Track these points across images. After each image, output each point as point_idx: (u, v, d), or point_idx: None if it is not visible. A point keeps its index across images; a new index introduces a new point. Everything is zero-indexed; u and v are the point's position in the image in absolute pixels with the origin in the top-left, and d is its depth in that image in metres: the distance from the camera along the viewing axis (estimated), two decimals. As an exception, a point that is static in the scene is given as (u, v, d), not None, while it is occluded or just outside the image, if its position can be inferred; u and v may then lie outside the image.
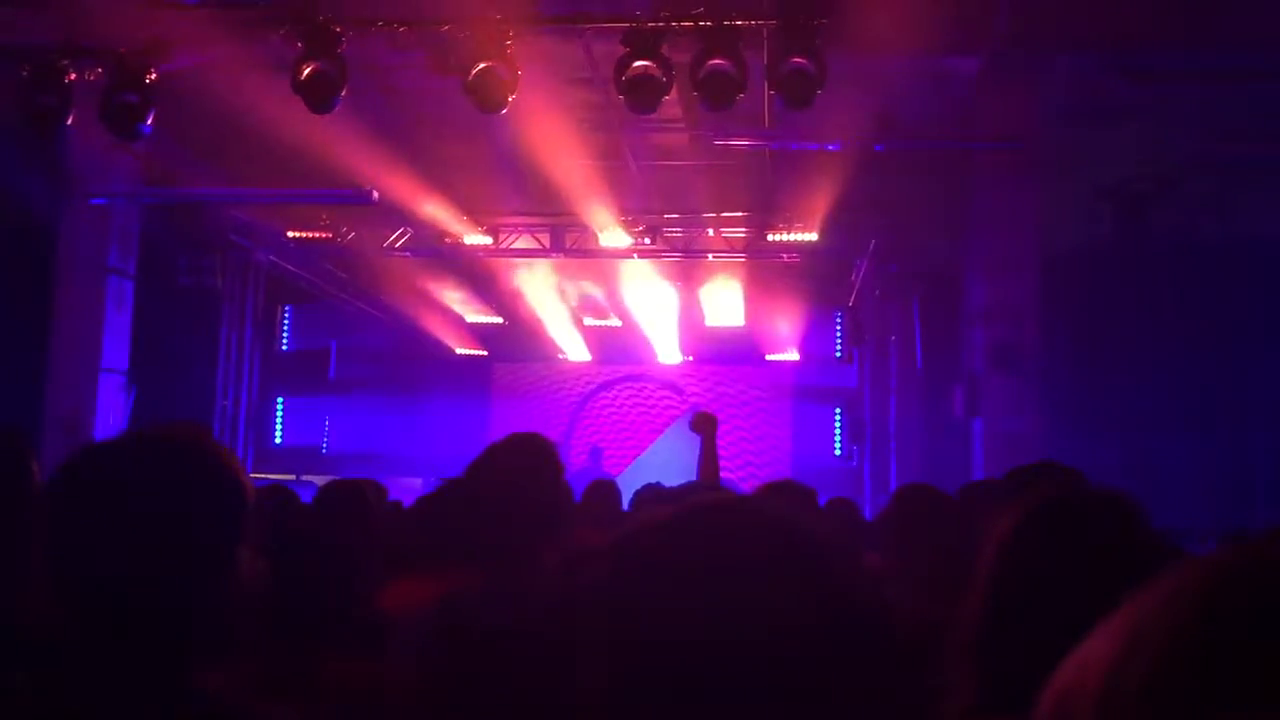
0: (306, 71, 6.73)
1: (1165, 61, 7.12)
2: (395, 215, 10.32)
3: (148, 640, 1.47)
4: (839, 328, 12.85)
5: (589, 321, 13.09)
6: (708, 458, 4.19)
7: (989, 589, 1.47)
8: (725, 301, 12.29)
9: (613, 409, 13.33)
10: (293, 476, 10.88)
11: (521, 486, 2.66)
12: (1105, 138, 7.69)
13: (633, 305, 12.40)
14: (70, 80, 7.23)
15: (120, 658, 1.46)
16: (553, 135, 8.17)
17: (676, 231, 11.10)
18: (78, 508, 1.52)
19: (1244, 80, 6.78)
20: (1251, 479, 7.93)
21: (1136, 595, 0.63)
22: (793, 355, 12.79)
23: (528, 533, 2.62)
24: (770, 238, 10.59)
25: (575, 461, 12.38)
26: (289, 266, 12.02)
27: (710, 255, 11.30)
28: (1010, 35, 7.08)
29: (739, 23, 6.53)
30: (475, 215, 10.71)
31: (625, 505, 4.85)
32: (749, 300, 12.24)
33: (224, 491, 1.57)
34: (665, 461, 12.38)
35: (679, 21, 6.54)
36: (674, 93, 6.90)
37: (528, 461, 2.71)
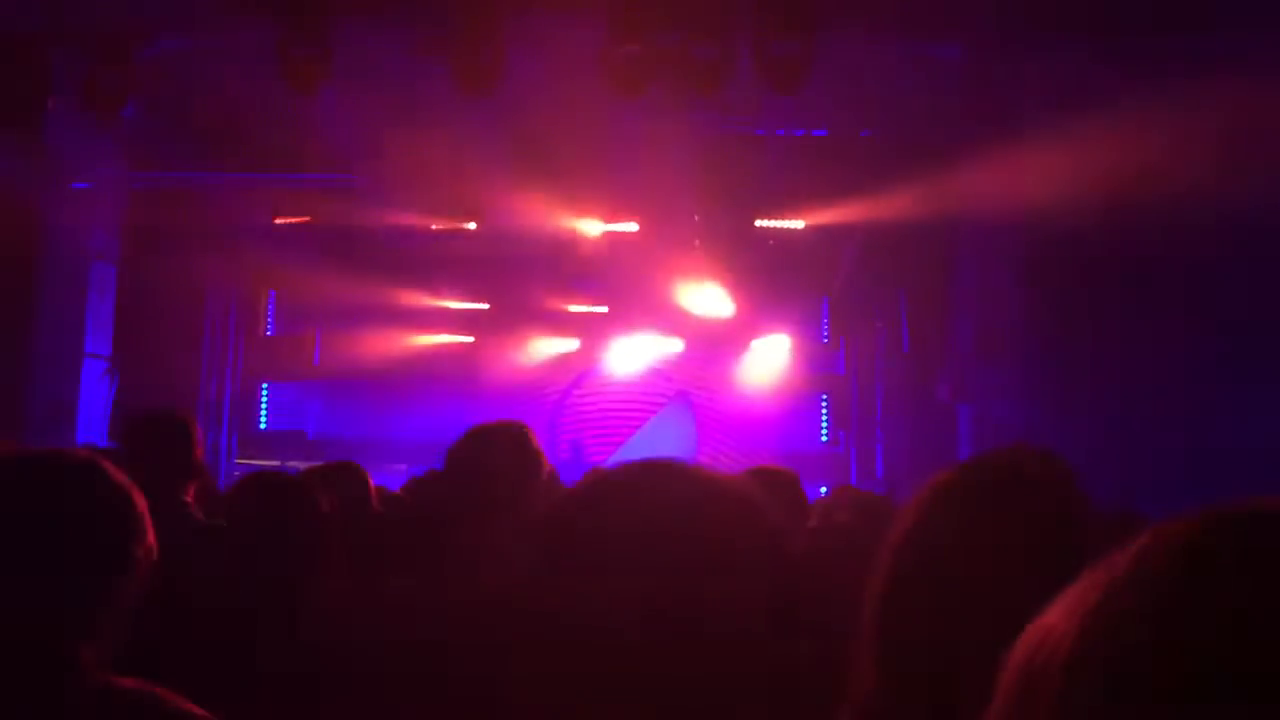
0: (292, 54, 6.68)
1: (1155, 44, 7.13)
2: (381, 200, 10.27)
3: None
4: (825, 314, 12.86)
5: (575, 308, 13.06)
6: None
7: (888, 571, 1.39)
8: (712, 288, 12.28)
9: (599, 396, 13.31)
10: (277, 463, 10.83)
11: (495, 475, 2.64)
12: (1092, 124, 7.70)
13: (619, 291, 12.37)
14: (52, 64, 7.16)
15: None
16: (540, 119, 8.13)
17: (663, 218, 11.08)
18: None
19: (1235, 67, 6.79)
20: (1238, 469, 7.96)
21: (1102, 561, 0.62)
22: (779, 341, 12.78)
23: (500, 521, 2.61)
24: (757, 224, 10.57)
25: (561, 449, 12.36)
26: (274, 251, 11.94)
27: (697, 241, 11.28)
28: (996, 21, 7.08)
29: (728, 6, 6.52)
30: (461, 200, 10.66)
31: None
32: (735, 287, 12.22)
33: (100, 525, 1.58)
34: (651, 449, 12.38)
35: (666, 5, 6.52)
36: (662, 77, 6.88)
37: (504, 449, 2.69)
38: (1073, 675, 0.58)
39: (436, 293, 12.88)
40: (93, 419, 9.12)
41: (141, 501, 1.63)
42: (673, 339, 13.01)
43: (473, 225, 11.05)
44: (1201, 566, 0.58)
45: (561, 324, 13.09)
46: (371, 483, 3.88)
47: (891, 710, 1.32)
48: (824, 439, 12.78)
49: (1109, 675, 0.57)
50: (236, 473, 11.01)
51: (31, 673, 1.48)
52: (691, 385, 13.09)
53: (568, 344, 13.27)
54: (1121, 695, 0.56)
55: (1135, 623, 0.57)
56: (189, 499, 3.30)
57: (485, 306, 13.13)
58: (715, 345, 12.93)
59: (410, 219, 10.90)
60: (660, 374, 13.09)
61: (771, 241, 11.00)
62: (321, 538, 2.64)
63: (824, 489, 10.72)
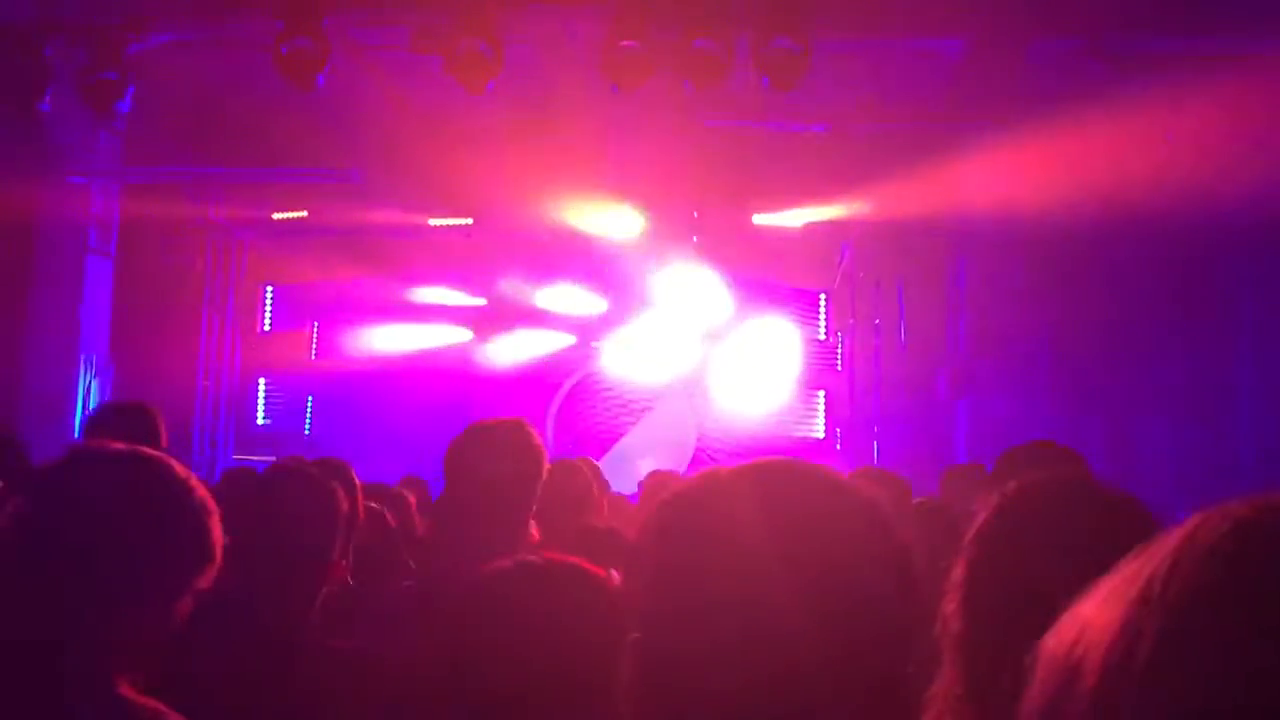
0: (288, 49, 6.65)
1: (1152, 45, 7.12)
2: (379, 195, 10.25)
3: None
4: (823, 310, 12.84)
5: (572, 304, 13.05)
6: None
7: (968, 580, 1.45)
8: (710, 284, 12.25)
9: (597, 392, 13.29)
10: (274, 459, 10.79)
11: (496, 472, 2.61)
12: (1089, 122, 7.70)
13: (618, 286, 12.35)
14: (48, 57, 7.13)
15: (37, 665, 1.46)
16: (538, 114, 8.11)
17: (662, 213, 11.06)
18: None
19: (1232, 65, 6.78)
20: (1237, 462, 7.96)
21: (1138, 552, 0.61)
22: (781, 326, 12.75)
23: (507, 516, 2.58)
24: (756, 219, 10.56)
25: (560, 444, 12.34)
26: (271, 246, 11.91)
27: (695, 237, 11.26)
28: (996, 17, 7.06)
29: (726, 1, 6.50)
30: (460, 196, 10.64)
31: (611, 488, 4.75)
32: (733, 283, 12.20)
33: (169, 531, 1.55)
34: (649, 442, 12.38)
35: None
36: (661, 72, 6.86)
37: (505, 446, 2.66)
38: (1112, 669, 0.57)
39: (435, 288, 12.86)
40: (87, 414, 9.09)
41: (216, 529, 1.58)
42: (670, 333, 13.01)
43: (470, 220, 11.03)
44: (1242, 560, 0.57)
45: (560, 319, 13.08)
46: (356, 480, 3.82)
47: (977, 714, 1.34)
48: (820, 434, 12.76)
49: (1150, 670, 0.56)
50: (232, 470, 10.97)
51: (36, 677, 1.44)
52: (688, 379, 13.07)
53: (566, 339, 13.26)
54: (1164, 689, 0.55)
55: (1177, 617, 0.56)
56: None
57: (483, 302, 13.11)
58: (712, 340, 12.93)
59: (408, 214, 10.88)
60: (657, 368, 13.07)
61: (770, 237, 10.99)
62: (336, 539, 2.53)
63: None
